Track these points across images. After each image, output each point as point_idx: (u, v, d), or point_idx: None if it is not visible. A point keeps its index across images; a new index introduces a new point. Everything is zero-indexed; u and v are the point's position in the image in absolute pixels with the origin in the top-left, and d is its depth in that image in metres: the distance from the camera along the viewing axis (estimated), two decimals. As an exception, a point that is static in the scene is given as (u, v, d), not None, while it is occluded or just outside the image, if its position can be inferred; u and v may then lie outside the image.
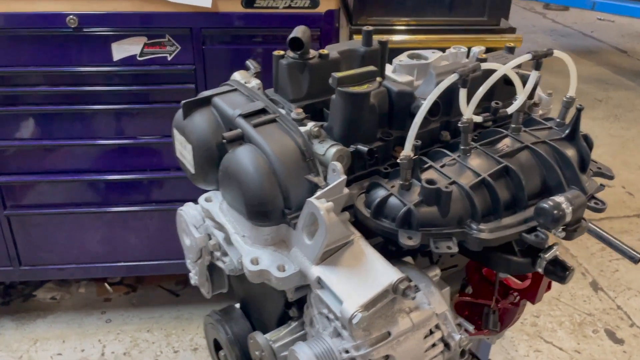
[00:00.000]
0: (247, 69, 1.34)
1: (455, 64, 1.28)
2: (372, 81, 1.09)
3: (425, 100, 1.11)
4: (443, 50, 2.30)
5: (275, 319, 1.26)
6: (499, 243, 1.02)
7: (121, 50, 2.52)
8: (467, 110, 1.07)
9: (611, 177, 1.22)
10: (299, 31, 1.20)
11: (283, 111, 1.16)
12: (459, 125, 1.08)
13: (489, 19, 2.54)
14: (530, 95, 1.39)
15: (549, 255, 1.07)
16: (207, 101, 1.17)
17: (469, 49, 1.52)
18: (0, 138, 2.43)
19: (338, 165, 1.00)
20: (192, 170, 1.17)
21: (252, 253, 1.05)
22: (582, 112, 1.18)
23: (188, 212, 1.23)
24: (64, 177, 2.54)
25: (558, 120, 1.25)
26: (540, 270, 1.09)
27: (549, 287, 1.60)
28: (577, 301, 3.18)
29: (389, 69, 1.43)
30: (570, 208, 0.99)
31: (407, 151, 1.01)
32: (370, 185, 1.09)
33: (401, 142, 1.18)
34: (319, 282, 0.98)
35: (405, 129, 1.18)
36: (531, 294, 1.54)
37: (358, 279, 0.97)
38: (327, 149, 1.03)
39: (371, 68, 1.10)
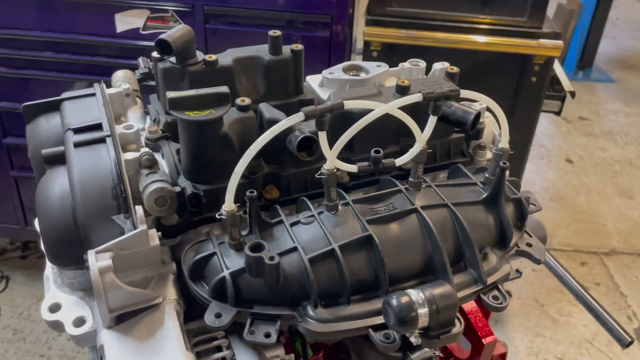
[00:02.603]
0: (137, 67, 1.16)
1: (350, 92, 1.01)
2: (220, 105, 0.87)
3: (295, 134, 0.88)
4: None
5: None
6: (334, 338, 0.78)
7: (124, 22, 2.42)
8: (329, 158, 0.82)
9: (539, 261, 0.92)
10: (174, 32, 1.00)
11: (138, 126, 0.97)
12: (317, 176, 0.84)
13: (530, 20, 2.15)
14: (477, 135, 1.10)
15: (416, 357, 0.82)
16: (54, 105, 1.00)
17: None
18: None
19: (139, 211, 0.80)
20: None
21: (55, 297, 0.89)
22: (505, 170, 0.88)
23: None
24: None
25: (487, 175, 0.96)
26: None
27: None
28: (614, 348, 2.74)
29: (315, 81, 1.19)
30: (427, 310, 0.73)
31: (228, 205, 0.79)
32: (207, 236, 0.88)
33: (275, 180, 0.96)
34: (102, 350, 0.80)
35: (282, 165, 0.96)
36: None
37: (140, 358, 0.77)
38: (145, 187, 0.83)
39: (220, 89, 0.87)
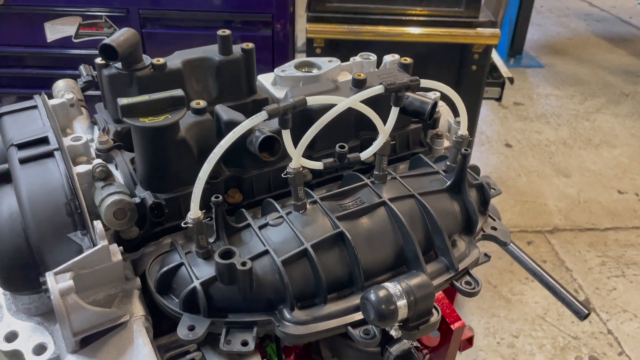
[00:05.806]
0: (79, 74, 1.10)
1: (307, 88, 1.00)
2: (175, 110, 0.83)
3: (258, 136, 0.86)
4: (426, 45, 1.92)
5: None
6: (314, 339, 0.77)
7: (55, 30, 2.31)
8: (295, 157, 0.81)
9: (505, 244, 0.93)
10: (119, 36, 0.95)
11: (86, 138, 0.92)
12: (283, 175, 0.82)
13: (466, 10, 2.21)
14: (433, 124, 1.10)
15: (395, 350, 0.81)
16: (-8, 121, 0.94)
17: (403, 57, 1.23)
18: None
19: (98, 226, 0.75)
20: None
21: (10, 325, 0.83)
22: (468, 157, 0.89)
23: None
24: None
25: (448, 163, 0.96)
26: (389, 366, 0.83)
27: (465, 346, 1.35)
28: (564, 322, 2.85)
29: (267, 80, 1.16)
30: (405, 302, 0.73)
31: (194, 212, 0.75)
32: (171, 247, 0.84)
33: (237, 183, 0.93)
34: (69, 377, 0.75)
35: (243, 167, 0.93)
36: (440, 353, 1.29)
37: (112, 381, 0.73)
38: (102, 200, 0.79)
39: (175, 93, 0.84)
